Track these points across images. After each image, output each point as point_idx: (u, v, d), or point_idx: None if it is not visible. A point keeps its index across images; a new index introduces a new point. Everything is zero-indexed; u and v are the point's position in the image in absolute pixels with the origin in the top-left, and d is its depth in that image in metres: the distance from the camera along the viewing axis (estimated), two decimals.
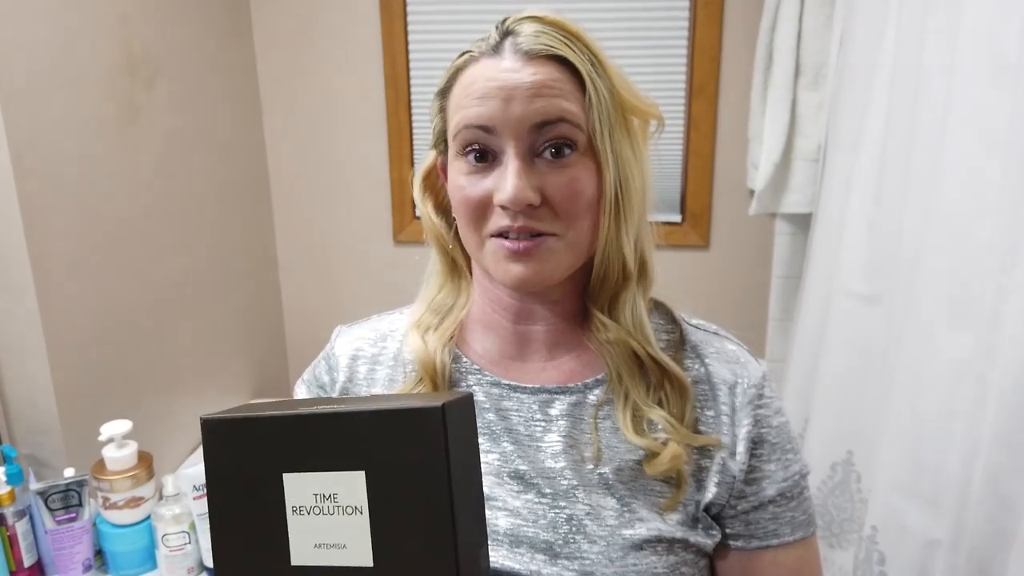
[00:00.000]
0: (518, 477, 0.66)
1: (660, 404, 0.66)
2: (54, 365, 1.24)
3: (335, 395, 0.74)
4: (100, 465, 1.19)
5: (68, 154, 1.28)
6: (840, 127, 1.44)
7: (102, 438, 1.17)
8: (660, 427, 0.65)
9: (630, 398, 0.66)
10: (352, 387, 0.74)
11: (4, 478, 1.15)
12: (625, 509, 0.64)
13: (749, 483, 0.67)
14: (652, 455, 0.64)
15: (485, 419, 0.69)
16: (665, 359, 0.66)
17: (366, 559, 0.48)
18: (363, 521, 0.48)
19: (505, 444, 0.68)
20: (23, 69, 1.17)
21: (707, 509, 0.67)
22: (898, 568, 1.12)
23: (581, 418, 0.67)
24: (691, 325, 0.73)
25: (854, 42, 1.39)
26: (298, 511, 0.50)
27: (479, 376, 0.70)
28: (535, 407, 0.68)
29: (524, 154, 0.62)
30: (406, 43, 1.90)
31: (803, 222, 1.75)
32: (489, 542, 0.62)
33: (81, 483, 1.15)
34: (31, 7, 1.19)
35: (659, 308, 0.74)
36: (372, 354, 0.75)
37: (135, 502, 1.18)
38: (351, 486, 0.48)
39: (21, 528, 1.16)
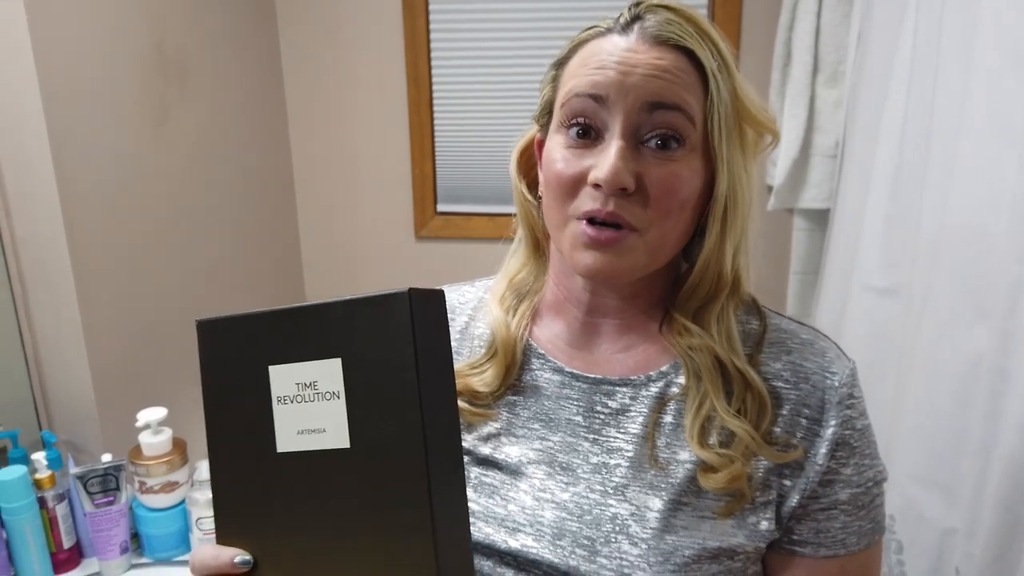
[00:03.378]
0: (569, 469, 0.66)
1: (739, 415, 0.64)
2: (91, 355, 1.28)
3: None
4: (136, 451, 1.23)
5: (104, 152, 1.32)
6: (858, 123, 1.46)
7: (139, 424, 1.21)
8: (736, 440, 0.62)
9: (705, 405, 0.64)
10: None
11: (45, 463, 1.19)
12: (671, 514, 0.62)
13: (823, 484, 0.64)
14: (709, 468, 0.62)
15: (544, 406, 0.69)
16: (751, 373, 0.64)
17: (343, 441, 0.51)
18: (340, 405, 0.51)
19: (561, 433, 0.67)
20: (63, 71, 1.21)
21: (785, 511, 0.64)
22: (915, 556, 1.14)
23: (641, 413, 0.66)
24: (779, 316, 0.71)
25: (872, 38, 1.40)
26: (282, 401, 0.53)
27: (543, 360, 0.71)
28: (596, 398, 0.67)
29: (629, 135, 0.61)
30: (428, 42, 1.93)
31: (821, 218, 1.76)
32: (533, 531, 0.64)
33: (118, 468, 1.19)
34: (70, 11, 1.23)
35: (745, 301, 0.71)
36: None
37: (170, 487, 1.22)
38: (329, 373, 0.51)
39: (61, 511, 1.20)
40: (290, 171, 2.08)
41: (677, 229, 0.64)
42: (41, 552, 1.18)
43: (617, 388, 0.67)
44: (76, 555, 1.24)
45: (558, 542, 0.63)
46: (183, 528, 1.25)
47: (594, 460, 0.65)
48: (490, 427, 0.70)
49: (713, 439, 0.63)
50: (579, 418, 0.67)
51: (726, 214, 0.64)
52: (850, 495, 0.64)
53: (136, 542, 1.26)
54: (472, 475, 0.68)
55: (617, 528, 0.62)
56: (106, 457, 1.20)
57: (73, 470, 1.19)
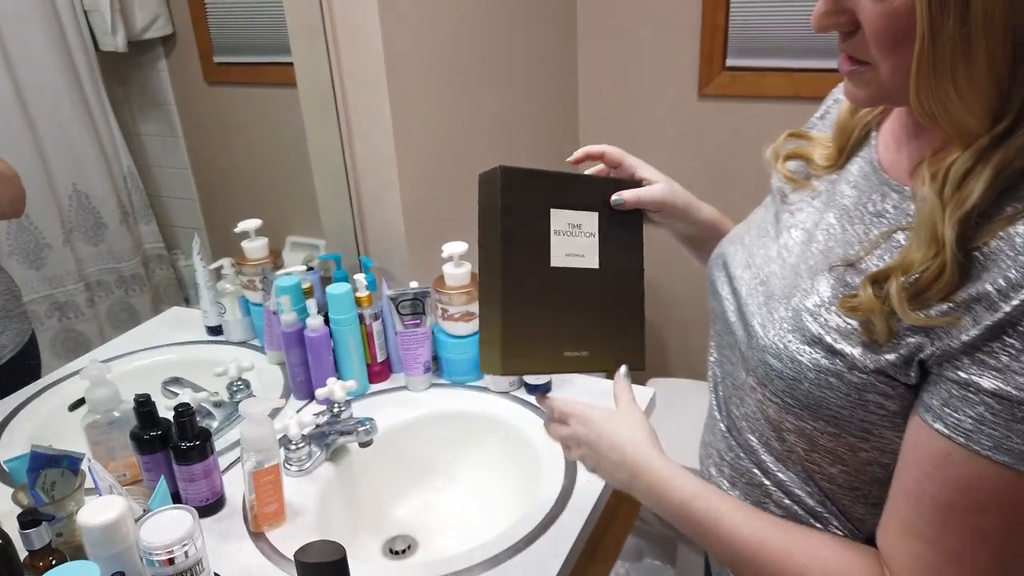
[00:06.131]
0: (814, 243, 0.71)
1: (921, 275, 0.58)
2: (403, 187, 1.37)
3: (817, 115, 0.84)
4: (440, 280, 1.31)
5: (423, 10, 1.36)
6: None
7: (443, 255, 1.28)
8: (888, 292, 0.60)
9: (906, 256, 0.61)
10: (826, 114, 0.82)
11: (364, 283, 1.31)
12: (823, 306, 0.65)
13: (965, 353, 0.56)
14: (853, 295, 0.63)
15: (840, 189, 0.72)
16: (948, 242, 0.56)
17: (594, 263, 0.81)
18: (594, 241, 0.81)
19: (834, 214, 0.71)
20: None
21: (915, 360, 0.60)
22: None
23: (888, 224, 0.65)
24: None
25: None
26: (557, 233, 0.79)
27: (869, 150, 0.71)
28: (874, 196, 0.68)
29: None
30: None
31: None
32: (752, 271, 0.76)
33: (425, 294, 1.29)
34: None
35: None
36: (839, 97, 0.81)
37: (468, 316, 1.30)
38: (590, 220, 0.81)
39: (376, 328, 1.33)
40: (573, 16, 2.03)
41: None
42: (360, 361, 1.32)
43: (891, 192, 0.67)
44: (387, 369, 1.38)
45: (755, 282, 0.74)
46: (476, 356, 1.33)
47: (831, 243, 0.69)
48: (800, 194, 0.77)
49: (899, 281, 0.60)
50: (852, 207, 0.70)
51: (931, 50, 0.54)
52: (996, 387, 0.54)
53: (435, 364, 1.37)
54: (768, 214, 0.80)
55: (788, 295, 0.69)
56: (413, 284, 1.30)
57: (387, 292, 1.30)
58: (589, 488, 1.09)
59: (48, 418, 1.14)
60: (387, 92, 1.29)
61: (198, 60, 1.39)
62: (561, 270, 0.78)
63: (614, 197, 0.83)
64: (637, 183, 0.85)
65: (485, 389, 1.33)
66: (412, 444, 1.28)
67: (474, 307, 1.30)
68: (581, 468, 1.03)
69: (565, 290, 0.79)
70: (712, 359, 0.83)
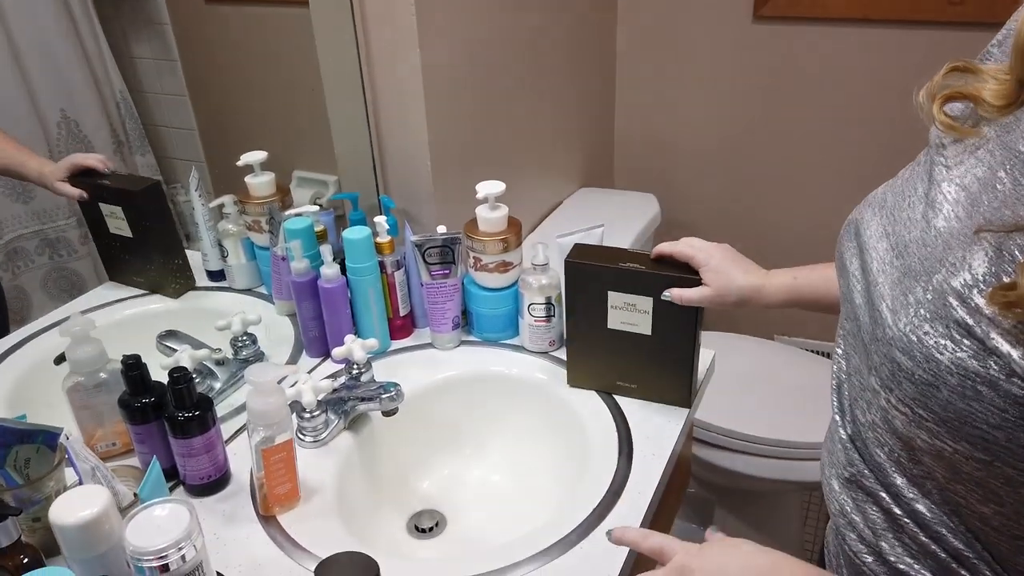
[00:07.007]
0: (970, 202, 0.55)
1: None
2: (431, 121, 1.20)
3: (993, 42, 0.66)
4: (472, 225, 1.15)
5: None
6: None
7: (479, 196, 1.11)
8: None
9: None
10: (1006, 38, 0.64)
11: (387, 227, 1.15)
12: (975, 286, 0.50)
13: None
14: (1009, 286, 0.47)
15: (1016, 132, 0.55)
16: None
17: (647, 331, 0.99)
18: (648, 317, 0.98)
19: (1007, 171, 0.54)
20: None
21: None
22: None
23: None
24: None
25: None
26: (614, 307, 0.99)
27: None
28: None
29: None
30: None
31: None
32: (889, 245, 0.62)
33: (455, 240, 1.13)
34: None
35: None
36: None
37: (504, 267, 1.14)
38: (644, 302, 0.97)
39: (398, 278, 1.17)
40: None
41: None
42: (380, 316, 1.17)
43: None
44: (410, 324, 1.23)
45: (891, 254, 0.60)
46: (512, 311, 1.19)
47: (997, 204, 0.53)
48: (962, 144, 0.59)
49: None
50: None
51: None
52: None
53: (464, 319, 1.22)
54: (921, 170, 0.63)
55: (929, 271, 0.55)
56: (441, 229, 1.14)
57: (411, 237, 1.14)
58: (651, 465, 0.95)
59: (34, 370, 1.01)
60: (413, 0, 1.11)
61: None
62: (616, 331, 1.01)
63: (664, 293, 0.96)
64: (698, 280, 0.94)
65: (520, 348, 1.18)
66: (439, 409, 1.14)
67: (511, 256, 1.14)
68: (639, 443, 1.01)
69: (618, 343, 1.01)
70: (838, 352, 0.67)
